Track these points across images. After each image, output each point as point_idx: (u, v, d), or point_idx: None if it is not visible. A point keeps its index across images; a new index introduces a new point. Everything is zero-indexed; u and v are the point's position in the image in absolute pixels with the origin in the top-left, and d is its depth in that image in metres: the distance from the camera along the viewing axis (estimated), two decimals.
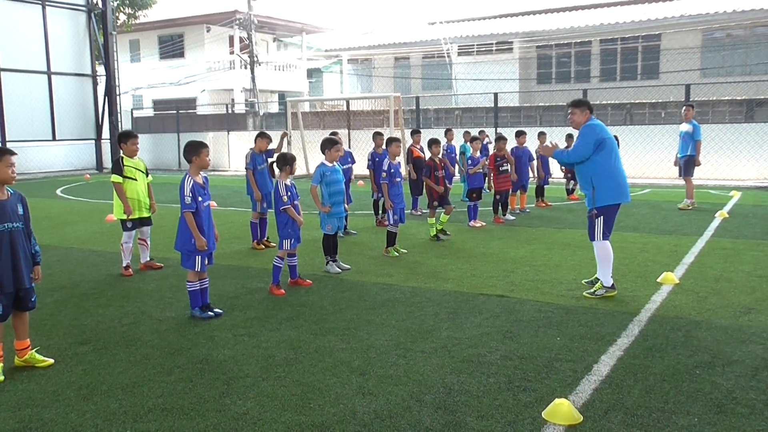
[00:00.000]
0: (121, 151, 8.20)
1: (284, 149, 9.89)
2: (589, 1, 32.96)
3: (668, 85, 23.25)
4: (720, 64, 26.13)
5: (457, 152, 14.14)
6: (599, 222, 6.51)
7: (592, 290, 6.66)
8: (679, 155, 13.04)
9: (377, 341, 5.32)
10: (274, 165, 7.30)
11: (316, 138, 20.25)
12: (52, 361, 4.99)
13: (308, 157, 22.78)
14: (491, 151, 11.92)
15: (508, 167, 11.88)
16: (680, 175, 13.28)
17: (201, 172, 6.24)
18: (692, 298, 6.45)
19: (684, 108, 13.15)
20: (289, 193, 6.94)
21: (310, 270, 8.00)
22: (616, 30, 27.90)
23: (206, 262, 6.13)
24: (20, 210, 4.82)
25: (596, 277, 6.77)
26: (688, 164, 12.89)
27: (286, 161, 7.06)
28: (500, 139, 12.03)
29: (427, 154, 10.49)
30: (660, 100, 21.84)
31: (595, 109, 7.46)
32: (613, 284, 6.60)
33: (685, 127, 12.88)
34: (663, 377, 4.47)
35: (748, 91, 22.01)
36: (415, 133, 12.62)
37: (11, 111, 24.63)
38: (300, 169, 22.89)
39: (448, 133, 14.21)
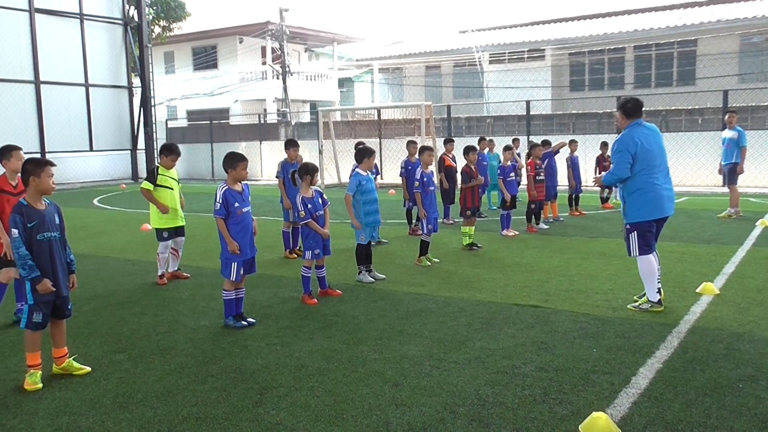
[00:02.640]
0: (159, 161, 8.34)
1: (317, 159, 9.90)
2: (622, 6, 32.60)
3: (705, 91, 22.84)
4: (759, 69, 25.56)
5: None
6: (633, 237, 6.26)
7: (636, 303, 6.44)
8: (723, 162, 12.71)
9: (410, 351, 5.28)
10: (296, 175, 7.30)
11: (347, 147, 20.37)
12: (89, 369, 5.05)
13: (340, 166, 22.88)
14: (520, 160, 11.80)
15: (543, 176, 11.77)
16: (724, 184, 12.92)
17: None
18: (733, 309, 6.28)
19: (727, 114, 12.87)
20: (310, 205, 6.93)
21: (343, 279, 8.00)
22: (651, 36, 27.51)
23: (242, 272, 6.16)
24: (57, 220, 4.94)
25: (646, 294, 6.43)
26: (732, 172, 12.52)
27: (308, 171, 7.06)
28: (535, 146, 11.93)
29: (461, 163, 10.43)
30: (697, 107, 21.45)
31: None
32: (659, 300, 6.30)
33: (728, 133, 12.54)
34: (704, 391, 4.35)
35: None
36: (448, 141, 12.58)
37: (50, 122, 25.22)
38: (332, 178, 23.10)
39: (481, 141, 14.18)
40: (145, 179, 8.28)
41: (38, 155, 23.60)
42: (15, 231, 4.69)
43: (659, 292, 6.34)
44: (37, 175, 4.81)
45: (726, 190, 13.20)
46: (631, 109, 6.34)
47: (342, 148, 22.81)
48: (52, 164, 4.92)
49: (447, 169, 12.04)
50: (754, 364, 4.80)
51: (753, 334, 5.51)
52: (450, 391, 4.46)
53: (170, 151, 8.26)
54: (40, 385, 4.76)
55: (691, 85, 26.63)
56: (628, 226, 6.32)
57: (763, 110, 20.11)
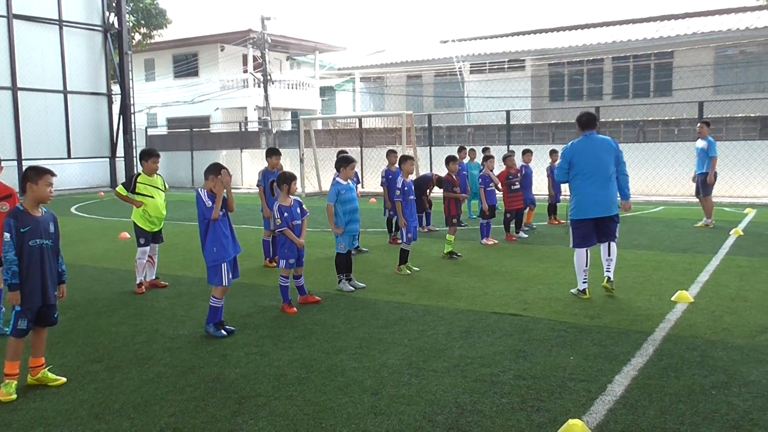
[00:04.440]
0: (141, 168, 8.31)
1: (298, 167, 9.94)
2: (601, 18, 33.12)
3: (681, 102, 23.21)
4: (733, 81, 26.03)
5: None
6: (571, 232, 7.39)
7: (574, 290, 7.42)
8: (696, 172, 12.88)
9: (389, 360, 5.30)
10: (275, 184, 7.32)
11: (329, 156, 20.39)
12: (64, 379, 5.00)
13: (321, 175, 22.88)
14: (495, 178, 11.82)
15: (519, 185, 11.86)
16: (697, 194, 13.03)
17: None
18: (707, 317, 6.38)
19: (698, 125, 13.04)
20: (286, 214, 6.94)
21: (323, 288, 8.00)
22: (629, 47, 27.92)
23: (230, 276, 6.16)
24: (51, 228, 4.93)
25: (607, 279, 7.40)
26: (704, 183, 12.66)
27: (286, 180, 7.07)
28: (508, 156, 12.03)
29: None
30: (673, 118, 21.77)
31: (608, 127, 7.66)
32: (584, 289, 7.27)
33: (700, 143, 12.73)
34: (678, 398, 4.42)
35: (762, 108, 21.92)
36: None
37: (28, 129, 24.94)
38: (313, 186, 23.09)
39: (461, 151, 14.29)
40: (122, 183, 8.27)
41: (15, 162, 23.38)
42: (7, 235, 4.69)
43: (586, 282, 7.32)
44: (35, 183, 4.83)
45: (696, 199, 13.34)
46: (583, 122, 7.39)
47: (323, 156, 22.83)
48: (52, 174, 4.96)
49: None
50: (726, 371, 4.88)
51: (726, 341, 5.60)
52: (429, 399, 4.49)
53: (149, 155, 8.24)
54: (15, 396, 4.70)
55: (668, 96, 27.05)
56: (569, 222, 7.47)
57: (737, 121, 20.48)
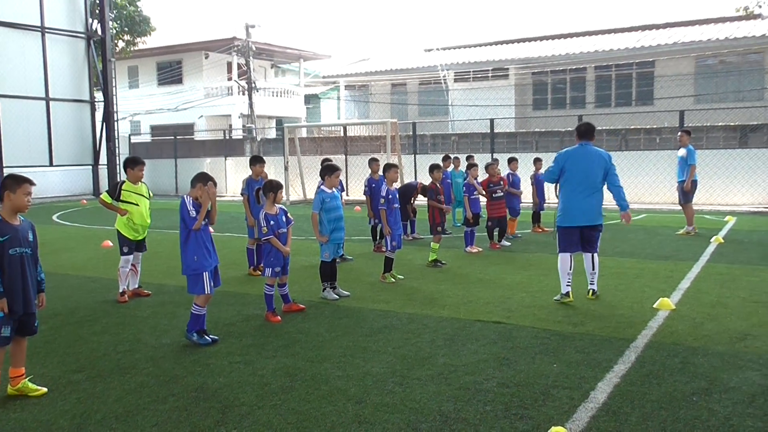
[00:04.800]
0: (126, 176, 8.28)
1: (283, 175, 9.94)
2: (583, 28, 33.49)
3: (662, 111, 23.46)
4: (713, 91, 26.39)
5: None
6: (557, 237, 7.68)
7: (557, 296, 7.58)
8: (677, 180, 13.11)
9: (374, 369, 5.30)
10: (260, 192, 7.31)
11: (313, 164, 20.37)
12: (45, 390, 4.95)
13: (305, 183, 22.86)
14: (479, 188, 11.87)
15: (502, 193, 11.91)
16: (680, 203, 13.26)
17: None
18: (689, 324, 6.45)
19: (679, 134, 13.25)
20: (272, 222, 6.94)
21: (308, 296, 7.99)
22: (611, 57, 28.23)
23: (212, 284, 6.13)
24: (30, 237, 4.88)
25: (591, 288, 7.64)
26: (683, 191, 12.90)
27: (272, 188, 7.07)
28: (490, 164, 12.10)
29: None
30: (654, 126, 22.01)
31: (595, 135, 7.75)
32: (567, 292, 7.48)
33: (681, 152, 12.96)
34: (660, 404, 4.46)
35: (742, 117, 22.21)
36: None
37: (9, 136, 24.69)
38: (298, 194, 23.05)
39: (445, 160, 14.35)
40: (106, 191, 8.24)
41: None
42: None
43: (569, 286, 7.54)
44: (13, 191, 4.79)
45: (678, 207, 13.53)
46: (581, 131, 7.62)
47: (308, 164, 22.80)
48: (31, 183, 4.91)
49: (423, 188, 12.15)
50: (708, 378, 4.94)
51: (707, 348, 5.66)
52: (413, 407, 4.49)
53: (134, 163, 8.20)
54: None
55: (650, 105, 27.35)
56: (556, 228, 7.75)
57: (717, 130, 20.74)
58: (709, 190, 17.84)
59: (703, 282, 8.42)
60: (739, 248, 11.03)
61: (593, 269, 7.55)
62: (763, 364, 5.21)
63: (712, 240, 11.77)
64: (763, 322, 6.47)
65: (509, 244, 11.98)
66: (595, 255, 7.57)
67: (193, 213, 6.03)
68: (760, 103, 24.18)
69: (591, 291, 7.61)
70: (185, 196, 6.14)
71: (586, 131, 7.58)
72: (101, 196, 8.24)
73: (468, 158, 14.43)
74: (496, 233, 11.92)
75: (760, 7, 21.39)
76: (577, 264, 7.63)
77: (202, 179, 6.14)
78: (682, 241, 12.09)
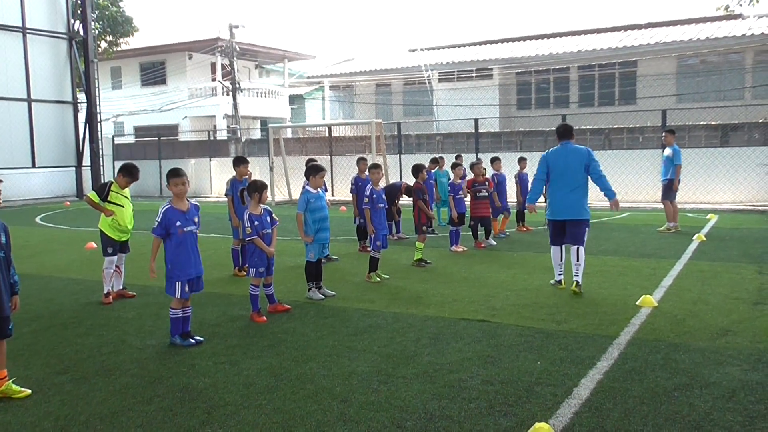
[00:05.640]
0: (114, 178, 8.30)
1: (268, 175, 9.93)
2: (566, 28, 33.67)
3: (645, 110, 23.66)
4: (695, 90, 26.65)
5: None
6: (548, 230, 8.24)
7: (553, 281, 8.26)
8: (661, 178, 13.35)
9: (359, 368, 5.32)
10: (245, 193, 7.30)
11: (298, 164, 20.34)
12: (29, 391, 4.92)
13: (291, 183, 22.83)
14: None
15: (487, 193, 11.96)
16: (661, 200, 13.52)
17: (191, 200, 6.30)
18: (670, 320, 6.52)
19: (664, 134, 13.49)
20: (256, 222, 6.94)
21: (293, 297, 7.99)
22: (594, 56, 28.43)
23: (187, 288, 6.10)
24: (3, 239, 4.82)
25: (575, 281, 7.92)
26: (666, 188, 13.16)
27: (256, 188, 7.07)
28: (475, 164, 12.15)
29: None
30: (637, 125, 22.19)
31: (574, 134, 8.09)
32: (559, 280, 8.17)
33: (667, 151, 13.21)
34: (642, 400, 4.51)
35: (723, 116, 22.45)
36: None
37: None
38: (283, 195, 23.01)
39: (434, 162, 14.44)
40: (94, 190, 8.22)
41: None
42: None
43: (561, 275, 8.20)
44: None
45: (661, 205, 13.76)
46: (560, 132, 8.17)
47: (293, 165, 22.77)
48: None
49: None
50: (689, 374, 5.00)
51: (688, 344, 5.73)
52: (398, 406, 4.52)
53: (129, 174, 8.23)
54: None
55: (632, 104, 27.57)
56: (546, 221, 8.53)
57: (699, 129, 20.95)
58: (692, 188, 18.03)
59: (685, 279, 8.51)
60: (721, 246, 11.16)
61: (577, 260, 7.82)
62: (744, 360, 5.29)
63: (694, 238, 11.90)
64: (744, 318, 6.56)
65: (495, 243, 12.04)
66: (581, 248, 7.86)
67: (155, 223, 6.04)
68: (741, 103, 24.46)
69: (575, 282, 7.81)
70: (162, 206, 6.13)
71: (564, 132, 8.13)
72: (89, 194, 8.21)
73: (457, 158, 14.49)
74: (482, 232, 11.97)
75: (740, 6, 21.63)
76: (566, 262, 7.87)
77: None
78: (664, 239, 12.21)
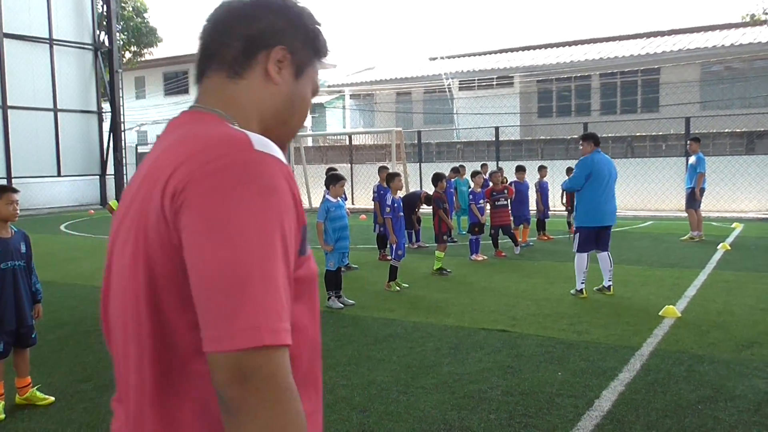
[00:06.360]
0: None
1: None
2: (588, 35, 33.45)
3: (668, 118, 23.40)
4: (719, 97, 26.33)
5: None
6: (577, 237, 8.20)
7: (573, 290, 8.22)
8: (686, 187, 13.31)
9: (378, 377, 5.31)
10: None
11: (318, 172, 20.43)
12: (52, 399, 4.98)
13: (311, 191, 22.92)
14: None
15: (506, 201, 11.92)
16: (685, 208, 13.46)
17: None
18: (694, 331, 6.43)
19: (688, 142, 13.43)
20: None
21: None
22: (616, 64, 28.21)
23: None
24: (23, 248, 4.89)
25: (602, 285, 8.28)
26: (690, 196, 13.02)
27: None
28: (494, 173, 12.12)
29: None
30: (660, 133, 21.98)
31: None
32: (581, 289, 8.11)
33: (692, 159, 13.15)
34: (665, 413, 4.45)
35: (748, 123, 22.15)
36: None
37: (17, 147, 24.85)
38: (303, 203, 23.09)
39: (455, 171, 14.49)
40: (116, 198, 8.31)
41: (4, 181, 23.27)
42: None
43: (583, 283, 8.18)
44: None
45: (684, 214, 13.69)
46: (597, 140, 8.35)
47: (313, 173, 22.87)
48: (13, 190, 4.87)
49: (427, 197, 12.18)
50: (713, 386, 4.92)
51: (713, 356, 5.65)
52: (417, 416, 4.50)
53: None
54: (3, 416, 4.69)
55: (655, 112, 27.29)
56: (574, 228, 8.49)
57: (723, 137, 20.69)
58: (716, 196, 17.78)
59: (710, 289, 8.39)
60: (746, 255, 10.99)
61: (610, 266, 8.20)
62: None
63: (718, 247, 11.74)
64: None
65: (519, 252, 11.94)
66: (609, 253, 8.25)
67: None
68: (767, 110, 24.11)
69: (609, 287, 8.23)
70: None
71: (598, 139, 8.41)
72: (110, 203, 8.31)
73: (482, 167, 14.49)
74: (505, 241, 11.91)
75: (766, 13, 21.37)
76: (574, 272, 7.92)
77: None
78: (688, 248, 12.06)
